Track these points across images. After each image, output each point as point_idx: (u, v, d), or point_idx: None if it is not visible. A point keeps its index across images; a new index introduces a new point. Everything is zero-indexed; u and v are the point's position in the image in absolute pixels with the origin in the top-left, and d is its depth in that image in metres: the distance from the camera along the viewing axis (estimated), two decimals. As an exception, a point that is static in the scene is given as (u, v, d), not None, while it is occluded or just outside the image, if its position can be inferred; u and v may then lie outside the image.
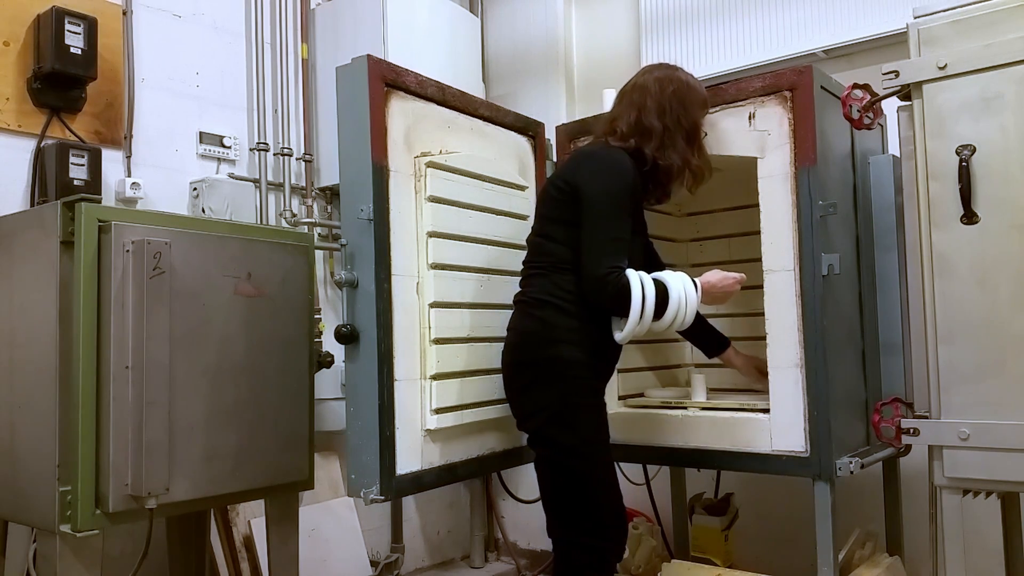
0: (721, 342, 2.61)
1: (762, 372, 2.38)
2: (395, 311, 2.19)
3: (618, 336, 2.12)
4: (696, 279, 2.16)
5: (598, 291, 2.05)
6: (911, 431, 1.92)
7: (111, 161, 2.85)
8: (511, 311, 2.27)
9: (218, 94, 3.24)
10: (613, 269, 2.04)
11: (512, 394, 2.19)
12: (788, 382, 2.21)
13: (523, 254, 2.30)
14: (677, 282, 2.11)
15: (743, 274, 2.21)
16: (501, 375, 2.25)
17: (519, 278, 2.29)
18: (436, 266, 2.33)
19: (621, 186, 2.10)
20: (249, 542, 2.96)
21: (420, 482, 2.27)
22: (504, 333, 2.27)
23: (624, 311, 2.05)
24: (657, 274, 2.13)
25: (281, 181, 3.34)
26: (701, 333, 2.60)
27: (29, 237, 2.12)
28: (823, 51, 3.06)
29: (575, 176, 2.14)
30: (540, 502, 2.17)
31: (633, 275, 2.06)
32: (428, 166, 2.32)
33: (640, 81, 2.25)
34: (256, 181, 3.27)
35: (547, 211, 2.20)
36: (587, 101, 3.75)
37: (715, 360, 3.01)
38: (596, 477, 2.09)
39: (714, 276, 2.19)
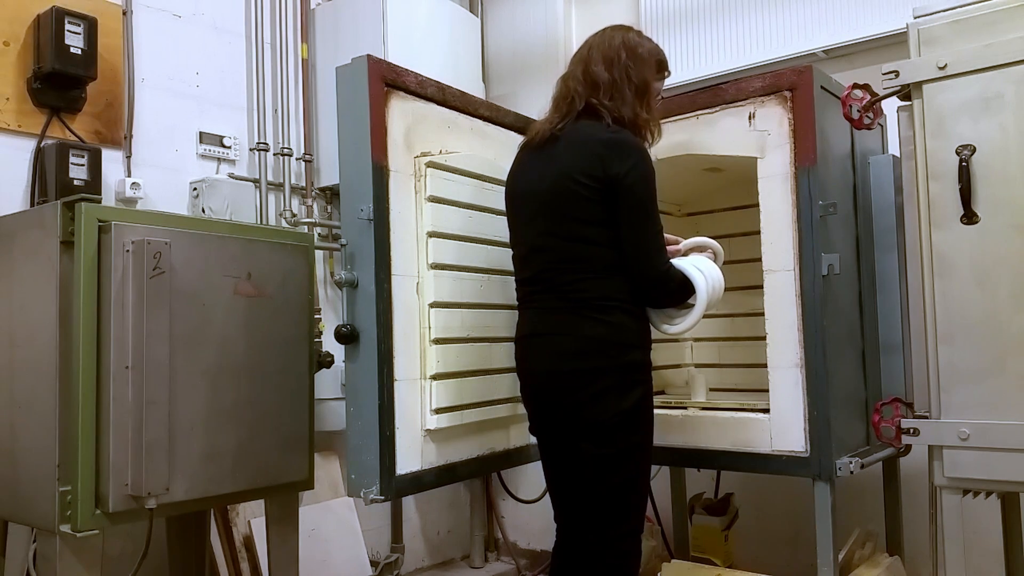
0: None
1: None
2: (395, 311, 2.19)
3: (675, 328, 2.12)
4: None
5: (662, 288, 2.05)
6: (911, 431, 1.92)
7: (111, 161, 2.85)
8: (513, 312, 2.24)
9: (218, 94, 3.24)
10: (668, 264, 2.05)
11: (575, 401, 2.03)
12: (788, 382, 2.21)
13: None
14: (705, 267, 2.10)
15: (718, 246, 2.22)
16: (543, 382, 2.10)
17: (532, 281, 2.16)
18: (436, 266, 2.33)
19: (652, 170, 2.06)
20: (249, 542, 2.96)
21: (420, 482, 2.27)
22: (505, 333, 2.26)
23: (683, 301, 2.08)
24: (679, 262, 2.12)
25: (281, 181, 3.34)
26: None
27: (29, 237, 2.12)
28: (823, 51, 3.06)
29: (605, 169, 1.98)
30: (541, 501, 2.16)
31: (680, 263, 2.08)
32: (428, 166, 2.33)
33: (584, 42, 2.20)
34: (256, 181, 3.27)
35: (576, 212, 2.02)
36: (587, 101, 3.74)
37: (714, 360, 3.02)
38: (647, 476, 2.13)
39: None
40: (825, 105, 2.24)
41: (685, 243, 2.23)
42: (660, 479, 3.05)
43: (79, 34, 2.70)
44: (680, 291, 2.06)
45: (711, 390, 2.74)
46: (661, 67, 2.18)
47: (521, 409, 2.28)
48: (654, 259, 2.02)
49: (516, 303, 2.23)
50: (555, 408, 2.08)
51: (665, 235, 2.12)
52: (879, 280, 2.43)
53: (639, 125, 2.08)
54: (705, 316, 2.58)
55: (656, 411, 2.52)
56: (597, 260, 2.03)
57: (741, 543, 2.93)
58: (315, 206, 3.45)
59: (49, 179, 2.65)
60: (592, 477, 2.04)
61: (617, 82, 2.07)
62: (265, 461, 2.29)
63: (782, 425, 2.22)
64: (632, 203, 1.99)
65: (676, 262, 2.09)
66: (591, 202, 2.00)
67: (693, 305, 2.07)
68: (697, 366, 3.02)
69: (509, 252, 2.51)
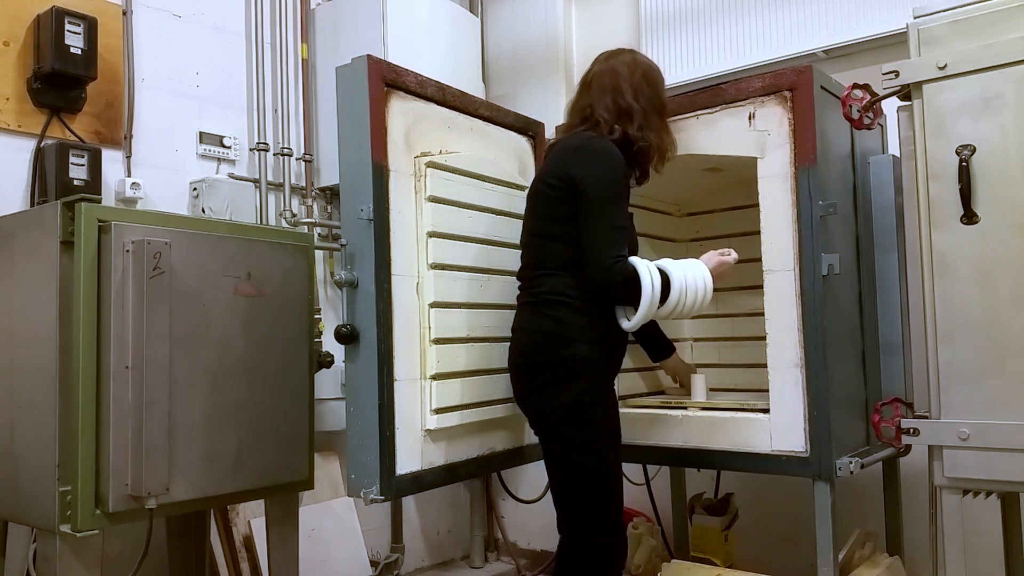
0: (668, 347, 2.74)
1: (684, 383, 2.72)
2: (395, 311, 2.19)
3: (628, 324, 2.11)
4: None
5: (605, 281, 2.05)
6: (911, 431, 1.92)
7: (111, 161, 2.85)
8: (512, 311, 2.26)
9: (218, 94, 3.23)
10: (618, 258, 2.03)
11: (525, 393, 2.18)
12: (788, 382, 2.21)
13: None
14: (678, 268, 2.09)
15: (735, 253, 2.22)
16: (509, 375, 2.24)
17: (518, 279, 2.28)
18: (436, 266, 2.33)
19: (616, 173, 2.11)
20: (249, 542, 2.96)
21: (420, 482, 2.27)
22: (505, 333, 2.27)
23: (634, 298, 2.05)
24: (659, 261, 2.11)
25: (281, 181, 3.34)
26: (652, 336, 2.71)
27: (29, 237, 2.12)
28: (823, 51, 3.06)
29: (567, 170, 2.11)
30: (541, 501, 2.18)
31: (637, 261, 2.06)
32: (428, 166, 2.33)
33: (607, 67, 2.25)
34: (256, 181, 3.27)
35: (543, 210, 2.17)
36: (587, 101, 3.74)
37: (714, 360, 3.02)
38: (607, 475, 2.09)
39: (711, 261, 2.18)
40: (825, 105, 2.24)
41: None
42: (660, 479, 3.05)
43: (79, 34, 2.70)
44: (624, 287, 2.05)
45: (711, 390, 2.74)
46: (664, 84, 2.31)
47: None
48: (601, 252, 2.04)
49: (516, 303, 2.28)
50: (518, 402, 2.24)
51: (719, 255, 2.19)
52: (879, 280, 2.43)
53: (664, 148, 2.24)
54: (712, 316, 2.60)
55: (656, 411, 2.54)
56: (554, 256, 2.13)
57: (741, 543, 2.93)
58: (315, 206, 3.45)
59: (49, 179, 2.65)
60: (550, 471, 2.15)
61: (645, 109, 2.20)
62: (265, 461, 2.29)
63: (782, 425, 2.22)
64: (586, 199, 2.06)
65: (634, 260, 2.07)
66: (557, 200, 2.12)
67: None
68: (697, 366, 3.01)
69: (509, 252, 2.53)
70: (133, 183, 2.85)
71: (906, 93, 1.94)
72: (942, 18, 1.88)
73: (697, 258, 2.19)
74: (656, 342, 2.72)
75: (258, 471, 2.28)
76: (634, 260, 2.06)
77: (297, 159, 3.44)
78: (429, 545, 3.85)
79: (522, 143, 2.79)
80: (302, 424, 2.41)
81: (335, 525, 3.28)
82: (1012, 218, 1.78)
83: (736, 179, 2.68)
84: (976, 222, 1.82)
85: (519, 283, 2.28)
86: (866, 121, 2.09)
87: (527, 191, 2.30)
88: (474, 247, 2.46)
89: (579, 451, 2.07)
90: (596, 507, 2.07)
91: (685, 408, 2.51)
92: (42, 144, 2.70)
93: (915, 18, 1.93)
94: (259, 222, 3.24)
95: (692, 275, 2.09)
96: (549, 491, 2.19)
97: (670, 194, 2.97)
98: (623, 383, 2.72)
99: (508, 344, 2.25)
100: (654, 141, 2.20)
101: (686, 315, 2.16)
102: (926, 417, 1.90)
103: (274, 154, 3.33)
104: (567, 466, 2.10)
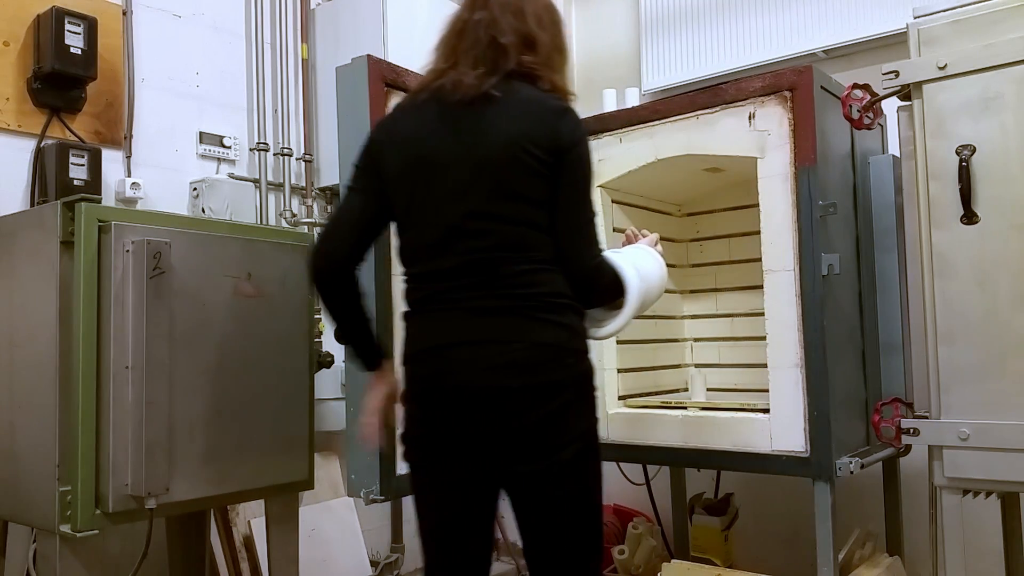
0: (380, 352, 1.90)
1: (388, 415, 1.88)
2: (395, 311, 2.19)
3: (603, 331, 1.81)
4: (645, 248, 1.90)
5: (592, 284, 1.72)
6: (911, 431, 1.92)
7: (111, 161, 2.85)
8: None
9: (218, 94, 3.23)
10: (601, 256, 1.75)
11: (523, 425, 1.63)
12: (788, 382, 2.21)
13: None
14: (636, 258, 1.81)
15: (655, 233, 1.97)
16: (477, 403, 1.64)
17: (470, 272, 1.68)
18: (436, 266, 2.32)
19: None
20: (249, 542, 2.96)
21: (420, 482, 2.26)
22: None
23: (614, 300, 1.76)
24: (613, 251, 1.84)
25: (281, 181, 3.34)
26: (367, 338, 1.88)
27: (29, 237, 2.12)
28: (823, 51, 3.07)
29: (557, 140, 1.67)
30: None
31: (613, 256, 1.78)
32: (428, 166, 2.31)
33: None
34: (256, 181, 3.27)
35: (523, 188, 1.66)
36: (587, 101, 3.72)
37: (714, 360, 3.02)
38: (602, 501, 1.79)
39: (653, 242, 1.93)
40: (825, 105, 2.24)
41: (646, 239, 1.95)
42: (660, 479, 3.05)
43: (79, 34, 2.70)
44: (611, 289, 1.75)
45: (711, 390, 2.74)
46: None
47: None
48: (589, 248, 1.72)
49: (460, 307, 1.69)
50: (487, 435, 1.65)
51: (632, 229, 1.95)
52: (879, 280, 2.43)
53: (566, 98, 1.77)
54: (713, 315, 2.55)
55: (656, 411, 2.54)
56: (544, 248, 1.68)
57: (741, 543, 2.93)
58: (315, 206, 3.45)
59: (49, 179, 2.65)
60: (558, 516, 1.68)
61: (548, 44, 1.76)
62: (265, 461, 2.29)
63: (782, 425, 2.22)
64: (574, 178, 1.69)
65: (611, 256, 1.79)
66: (539, 177, 1.66)
67: (622, 307, 1.77)
68: (697, 366, 3.01)
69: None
70: (133, 183, 2.85)
71: (906, 93, 1.94)
72: (942, 18, 1.88)
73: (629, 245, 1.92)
74: (370, 346, 1.89)
75: (258, 471, 2.28)
76: (609, 256, 1.77)
77: (297, 159, 3.44)
78: (429, 545, 3.85)
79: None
80: (302, 424, 2.41)
81: (335, 525, 3.28)
82: (1012, 218, 1.78)
83: (736, 179, 2.68)
84: (976, 222, 1.82)
85: (456, 280, 1.68)
86: (866, 121, 2.09)
87: (449, 153, 1.69)
88: (474, 247, 2.45)
89: (593, 485, 1.72)
90: (600, 543, 1.77)
91: (685, 408, 2.51)
92: (42, 144, 2.70)
93: (915, 18, 1.93)
94: (259, 222, 3.24)
95: (648, 266, 1.83)
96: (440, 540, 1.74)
97: (670, 194, 2.97)
98: (623, 383, 2.72)
99: None
100: (559, 86, 1.76)
101: (641, 313, 1.87)
102: (926, 417, 1.90)
103: (274, 154, 3.33)
104: (582, 504, 1.69)
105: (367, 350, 1.87)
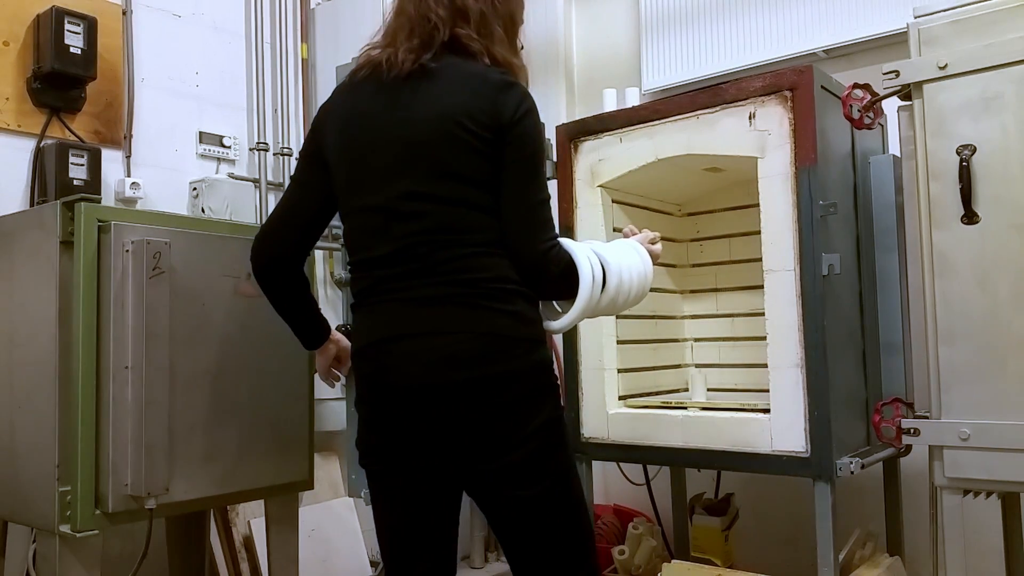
0: (321, 333, 1.93)
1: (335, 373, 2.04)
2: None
3: (556, 325, 1.69)
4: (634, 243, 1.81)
5: (540, 272, 1.60)
6: (911, 431, 1.92)
7: (111, 161, 2.86)
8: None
9: (218, 94, 3.24)
10: (552, 242, 1.61)
11: (475, 420, 1.56)
12: (788, 382, 2.21)
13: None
14: (613, 254, 1.70)
15: (656, 232, 1.93)
16: (419, 401, 1.57)
17: (406, 259, 1.60)
18: (436, 266, 2.31)
19: (543, 133, 1.69)
20: (249, 542, 2.96)
21: (420, 482, 2.26)
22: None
23: (568, 293, 1.64)
24: (591, 244, 1.74)
25: (281, 181, 3.34)
26: (308, 321, 1.90)
27: (29, 237, 2.12)
28: (823, 51, 3.06)
29: (498, 115, 1.57)
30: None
31: (572, 245, 1.66)
32: (428, 166, 2.31)
33: None
34: (256, 181, 3.27)
35: (459, 167, 1.57)
36: (587, 101, 3.75)
37: (714, 360, 3.02)
38: (583, 498, 1.70)
39: (647, 240, 1.86)
40: (825, 105, 2.24)
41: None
42: (660, 479, 3.05)
43: (79, 34, 2.70)
44: (562, 279, 1.62)
45: (711, 390, 2.74)
46: (522, 3, 1.81)
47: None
48: (536, 233, 1.59)
49: (382, 297, 1.63)
50: (437, 435, 1.58)
51: (630, 227, 1.86)
52: (879, 280, 2.43)
53: (514, 71, 1.68)
54: (712, 315, 2.53)
55: (656, 411, 2.54)
56: (487, 230, 1.58)
57: (741, 543, 2.93)
58: (315, 206, 3.45)
59: (49, 179, 2.65)
60: (526, 525, 1.60)
61: (485, 14, 1.66)
62: (265, 461, 2.29)
63: (782, 425, 2.22)
64: (521, 156, 1.58)
65: (569, 244, 1.66)
66: (478, 155, 1.57)
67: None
68: (697, 366, 3.01)
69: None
70: (133, 183, 2.86)
71: (906, 93, 1.94)
72: (942, 18, 1.88)
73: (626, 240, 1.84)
74: (312, 326, 1.92)
75: (258, 471, 2.28)
76: (567, 244, 1.65)
77: (297, 159, 3.43)
78: (429, 545, 3.85)
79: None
80: (302, 424, 2.41)
81: (335, 525, 3.28)
82: (1012, 218, 1.78)
83: (736, 179, 2.68)
84: (976, 222, 1.82)
85: (392, 268, 1.60)
86: (866, 121, 2.09)
87: (383, 132, 1.63)
88: (474, 247, 2.45)
89: (563, 480, 1.63)
90: (589, 541, 1.69)
91: (685, 408, 2.50)
92: (42, 144, 2.70)
93: (915, 18, 1.93)
94: (259, 222, 3.24)
95: (629, 261, 1.72)
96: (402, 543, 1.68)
97: (670, 194, 2.97)
98: (623, 383, 2.71)
99: None
100: (500, 57, 1.65)
101: (619, 311, 1.80)
102: (926, 417, 1.90)
103: (274, 154, 3.34)
104: (553, 506, 1.61)
105: (306, 331, 1.89)
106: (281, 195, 3.29)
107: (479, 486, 1.63)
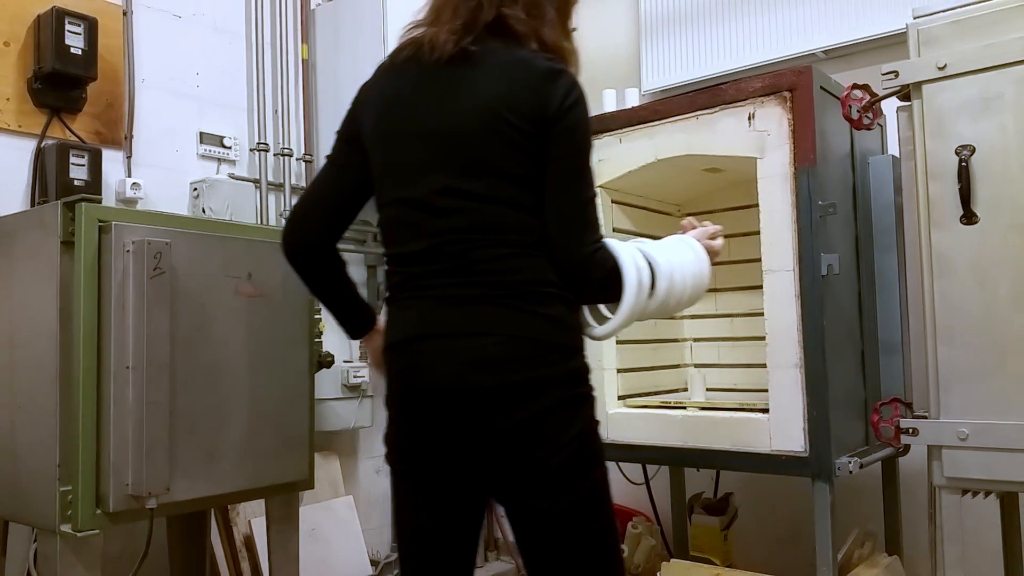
0: (366, 320, 1.75)
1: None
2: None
3: (600, 331, 1.61)
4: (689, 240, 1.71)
5: (584, 275, 1.50)
6: (910, 431, 1.92)
7: (111, 161, 2.86)
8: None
9: (218, 94, 3.24)
10: (597, 244, 1.50)
11: (508, 427, 1.46)
12: (788, 382, 2.21)
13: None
14: (663, 254, 1.59)
15: (721, 239, 1.82)
16: (448, 404, 1.48)
17: (440, 257, 1.50)
18: (436, 266, 2.31)
19: (591, 128, 1.55)
20: (249, 542, 2.97)
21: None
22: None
23: (613, 297, 1.54)
24: (639, 244, 1.62)
25: (281, 181, 3.35)
26: (351, 307, 1.75)
27: (29, 237, 2.12)
28: (823, 51, 3.07)
29: (543, 107, 1.45)
30: None
31: (617, 247, 1.54)
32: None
33: None
34: (256, 181, 3.27)
35: (500, 163, 1.47)
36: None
37: (714, 360, 3.02)
38: (613, 519, 1.58)
39: (702, 240, 1.75)
40: (825, 105, 2.24)
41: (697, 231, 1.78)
42: (660, 479, 3.06)
43: (79, 34, 2.70)
44: (606, 283, 1.51)
45: (710, 390, 2.74)
46: None
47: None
48: (581, 234, 1.49)
49: (420, 295, 1.53)
50: (464, 439, 1.49)
51: (690, 219, 1.78)
52: (879, 280, 2.43)
53: (564, 57, 1.56)
54: (711, 315, 2.54)
55: (655, 411, 2.54)
56: (526, 231, 1.48)
57: (740, 543, 2.94)
58: (315, 206, 3.45)
59: (49, 179, 2.65)
60: (554, 540, 1.51)
61: None
62: (265, 461, 2.29)
63: (781, 425, 2.22)
64: (567, 151, 1.47)
65: (614, 244, 1.55)
66: (521, 151, 1.46)
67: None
68: (697, 366, 3.02)
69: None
70: (133, 183, 2.86)
71: (906, 93, 1.94)
72: (942, 18, 1.89)
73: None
74: (356, 312, 1.75)
75: (258, 471, 2.28)
76: (612, 245, 1.53)
77: (297, 159, 3.44)
78: (429, 545, 3.85)
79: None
80: (302, 424, 2.41)
81: (335, 525, 3.28)
82: (1012, 218, 1.78)
83: (736, 179, 2.68)
84: (976, 222, 1.82)
85: (426, 265, 1.51)
86: (866, 121, 2.10)
87: (420, 122, 1.52)
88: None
89: (594, 500, 1.52)
90: (619, 569, 1.58)
91: (685, 408, 2.51)
92: (42, 144, 2.70)
93: (915, 18, 1.93)
94: (259, 222, 3.25)
95: (681, 260, 1.62)
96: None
97: (669, 194, 2.98)
98: (623, 383, 2.72)
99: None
100: (550, 41, 1.53)
101: (672, 313, 1.72)
102: (925, 417, 1.90)
103: (274, 154, 3.34)
104: (585, 519, 1.50)
105: (350, 318, 1.73)
106: (280, 195, 3.33)
107: (504, 494, 1.56)
